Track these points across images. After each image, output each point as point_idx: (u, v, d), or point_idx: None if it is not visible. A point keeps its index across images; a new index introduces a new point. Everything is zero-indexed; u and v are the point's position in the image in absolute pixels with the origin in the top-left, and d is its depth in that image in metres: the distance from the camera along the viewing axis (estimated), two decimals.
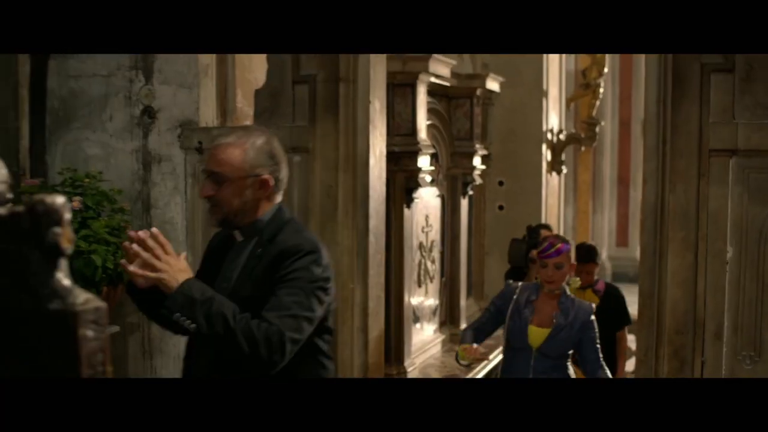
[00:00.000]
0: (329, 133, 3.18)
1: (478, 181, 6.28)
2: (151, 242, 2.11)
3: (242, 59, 3.78)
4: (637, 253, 11.77)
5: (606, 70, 7.97)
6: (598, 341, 3.48)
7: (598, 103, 7.80)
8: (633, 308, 3.74)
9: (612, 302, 4.71)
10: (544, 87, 7.45)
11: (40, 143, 3.88)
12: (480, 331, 3.65)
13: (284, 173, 2.38)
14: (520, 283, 3.71)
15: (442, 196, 5.76)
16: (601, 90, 7.78)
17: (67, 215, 1.14)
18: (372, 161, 3.23)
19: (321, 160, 3.18)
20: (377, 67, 3.24)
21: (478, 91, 6.11)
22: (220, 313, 2.08)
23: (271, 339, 2.12)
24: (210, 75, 3.57)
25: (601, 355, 3.50)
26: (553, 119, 7.74)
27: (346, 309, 3.22)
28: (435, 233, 5.49)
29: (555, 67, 7.67)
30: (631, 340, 5.18)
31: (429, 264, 5.38)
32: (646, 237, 2.85)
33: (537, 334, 3.47)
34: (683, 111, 2.77)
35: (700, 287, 2.76)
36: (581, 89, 7.86)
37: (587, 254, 4.91)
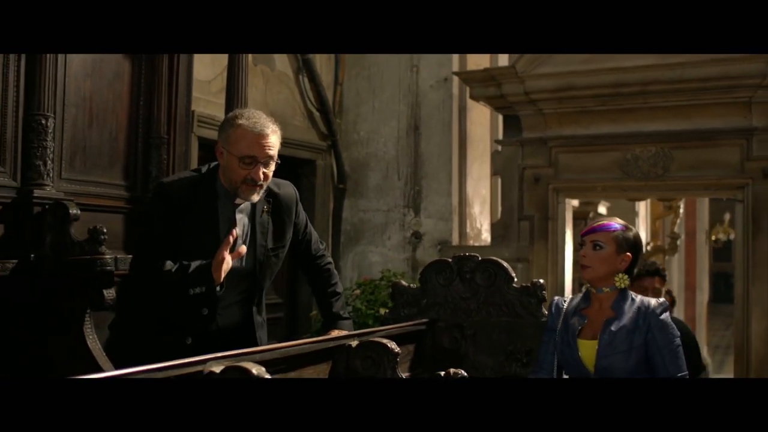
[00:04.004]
0: (541, 251, 5.36)
1: None
2: None
3: (470, 203, 6.02)
4: (704, 352, 13.30)
5: None
6: (677, 351, 2.63)
7: (678, 220, 9.88)
8: None
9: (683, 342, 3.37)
10: (636, 209, 9.59)
11: (336, 253, 6.10)
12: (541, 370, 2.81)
13: None
14: (568, 297, 2.97)
15: None
16: (681, 210, 9.88)
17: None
18: (567, 266, 5.38)
19: (536, 267, 5.33)
20: (569, 211, 5.44)
21: (591, 214, 8.24)
22: None
23: (331, 260, 3.16)
24: (457, 213, 5.80)
25: (684, 373, 2.62)
26: (642, 234, 9.85)
27: None
28: None
29: None
30: None
31: None
32: (740, 312, 4.93)
33: (587, 349, 2.67)
34: (759, 240, 4.89)
35: None
36: (665, 210, 9.92)
37: (650, 266, 4.15)
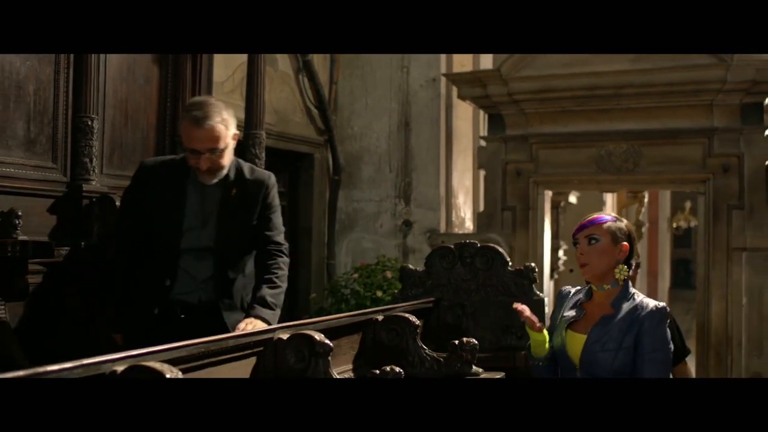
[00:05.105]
0: (523, 238, 5.88)
1: (562, 268, 8.88)
2: None
3: (456, 193, 6.51)
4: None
5: None
6: (663, 364, 2.51)
7: (643, 209, 10.47)
8: None
9: None
10: (603, 199, 10.14)
11: (332, 240, 6.56)
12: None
13: None
14: (575, 288, 2.87)
15: None
16: (646, 199, 10.47)
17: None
18: (545, 252, 5.90)
19: (518, 253, 5.83)
20: (547, 201, 5.95)
21: (562, 203, 8.76)
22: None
23: (285, 257, 3.14)
24: (444, 203, 6.29)
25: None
26: None
27: None
28: None
29: None
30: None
31: None
32: (701, 293, 5.49)
33: (575, 342, 2.60)
34: (718, 228, 5.45)
35: (729, 318, 5.37)
36: (630, 199, 10.49)
37: None
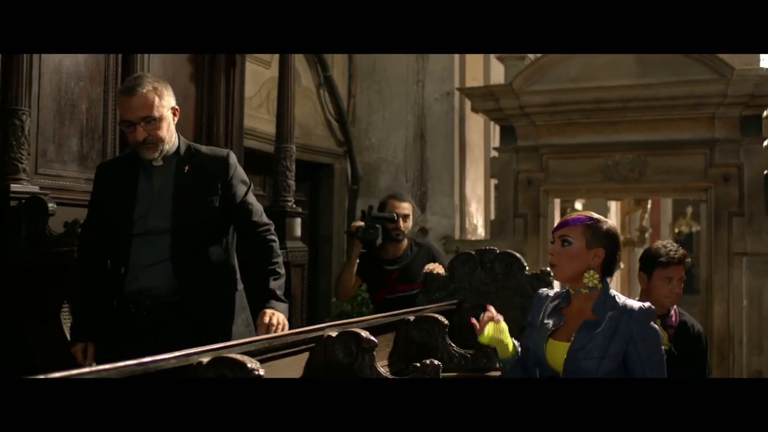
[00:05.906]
0: (534, 244, 6.18)
1: None
2: None
3: (468, 201, 6.81)
4: None
5: None
6: (659, 364, 2.37)
7: (647, 215, 10.76)
8: None
9: (689, 345, 3.33)
10: (608, 205, 10.45)
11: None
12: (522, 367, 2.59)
13: None
14: (554, 290, 2.69)
15: None
16: (649, 206, 10.77)
17: None
18: None
19: (529, 258, 6.06)
20: (557, 208, 6.25)
21: (568, 210, 9.06)
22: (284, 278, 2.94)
23: (275, 238, 2.98)
24: (458, 211, 6.59)
25: None
26: None
27: None
28: None
29: None
30: None
31: None
32: (704, 295, 5.79)
33: (556, 352, 2.45)
34: (719, 234, 5.76)
35: (731, 319, 5.67)
36: (633, 206, 10.77)
37: (673, 255, 3.32)
